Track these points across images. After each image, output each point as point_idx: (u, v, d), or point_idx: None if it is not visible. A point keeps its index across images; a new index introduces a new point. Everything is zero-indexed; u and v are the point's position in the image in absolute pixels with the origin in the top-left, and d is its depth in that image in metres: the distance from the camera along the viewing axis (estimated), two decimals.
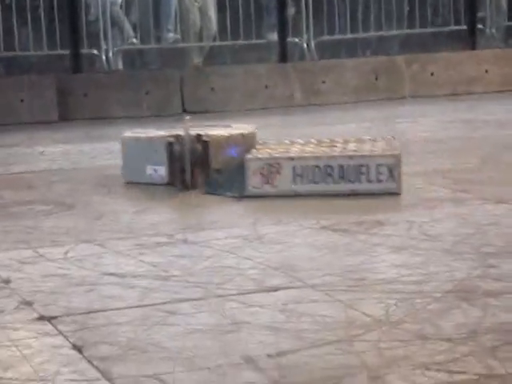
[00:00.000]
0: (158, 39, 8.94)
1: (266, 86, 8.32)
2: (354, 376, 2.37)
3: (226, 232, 3.98)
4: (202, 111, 7.90)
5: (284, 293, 3.12)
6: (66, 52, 8.45)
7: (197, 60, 9.15)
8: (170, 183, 4.96)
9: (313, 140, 5.26)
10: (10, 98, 7.94)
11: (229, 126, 5.55)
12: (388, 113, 7.77)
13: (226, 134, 5.22)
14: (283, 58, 8.67)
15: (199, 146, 4.92)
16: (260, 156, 4.85)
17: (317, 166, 4.71)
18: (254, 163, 4.75)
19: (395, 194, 4.62)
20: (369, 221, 4.11)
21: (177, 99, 8.12)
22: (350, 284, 3.19)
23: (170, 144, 4.90)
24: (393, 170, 4.69)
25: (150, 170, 5.02)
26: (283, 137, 6.01)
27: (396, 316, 2.85)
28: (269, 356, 2.52)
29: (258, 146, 5.12)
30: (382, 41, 9.46)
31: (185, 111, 8.03)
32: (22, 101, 7.95)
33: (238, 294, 3.09)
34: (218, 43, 9.10)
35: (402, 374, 2.37)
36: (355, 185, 4.70)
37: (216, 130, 5.28)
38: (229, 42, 9.03)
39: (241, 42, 9.00)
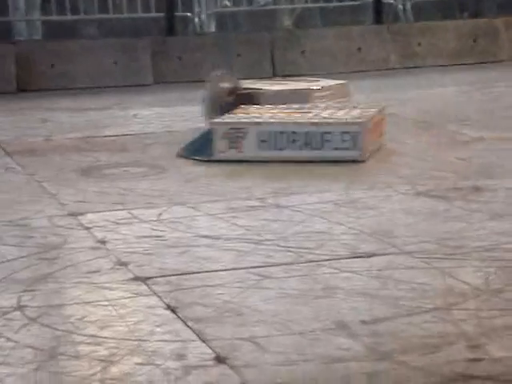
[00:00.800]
0: (250, 1, 8.89)
1: (359, 49, 8.20)
2: (452, 344, 2.31)
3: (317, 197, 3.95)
4: (292, 74, 7.83)
5: (379, 259, 3.07)
6: (161, 15, 8.48)
7: (288, 22, 9.07)
8: None
9: (295, 106, 5.10)
10: (104, 61, 8.02)
11: (316, 81, 5.51)
12: (486, 76, 7.57)
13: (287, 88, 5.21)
14: (378, 19, 8.51)
15: (230, 99, 4.92)
16: (227, 120, 4.78)
17: (282, 132, 4.63)
18: (221, 127, 4.69)
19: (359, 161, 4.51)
20: (465, 187, 4.02)
21: (267, 62, 8.07)
22: (448, 252, 3.12)
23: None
24: (356, 137, 4.58)
25: None
26: (377, 100, 5.94)
27: (495, 284, 2.78)
28: (363, 322, 2.49)
29: (237, 110, 5.03)
30: (480, 2, 9.21)
31: (275, 74, 7.98)
32: (115, 63, 8.02)
33: (331, 260, 3.06)
34: (309, 5, 9.00)
35: (502, 343, 2.31)
36: (320, 152, 4.60)
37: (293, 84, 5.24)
38: (321, 4, 8.92)
39: (333, 3, 8.88)
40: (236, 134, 4.66)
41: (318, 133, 4.62)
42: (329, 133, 4.62)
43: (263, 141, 4.66)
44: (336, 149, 4.62)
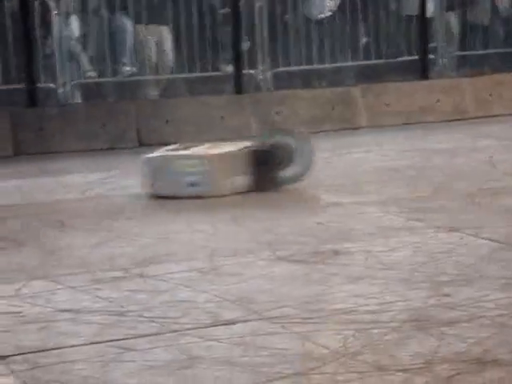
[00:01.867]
0: (115, 72, 8.93)
1: (222, 117, 8.34)
2: None
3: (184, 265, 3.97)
4: (157, 143, 7.89)
5: (241, 326, 3.11)
6: (22, 86, 8.39)
7: (153, 92, 9.15)
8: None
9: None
10: None
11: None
12: (344, 143, 7.82)
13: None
14: (239, 89, 8.70)
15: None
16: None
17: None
18: None
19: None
20: (325, 251, 4.12)
21: (133, 131, 8.10)
22: (306, 316, 3.19)
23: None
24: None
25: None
26: None
27: (353, 347, 2.86)
28: None
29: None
30: (337, 72, 9.54)
31: (141, 143, 8.02)
32: None
33: (195, 329, 3.07)
34: (174, 75, 9.11)
35: None
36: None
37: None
38: (185, 75, 9.05)
39: (197, 74, 9.02)
40: None
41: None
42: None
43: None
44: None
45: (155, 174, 5.56)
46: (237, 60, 8.73)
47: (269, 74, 9.22)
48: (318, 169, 6.54)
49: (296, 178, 5.75)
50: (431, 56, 9.67)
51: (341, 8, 9.54)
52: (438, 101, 8.89)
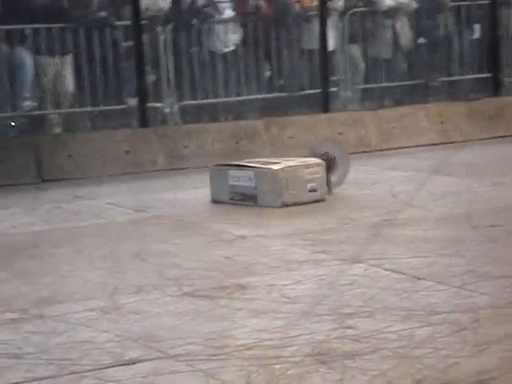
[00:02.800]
0: (15, 107, 8.77)
1: (127, 152, 8.26)
2: None
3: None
4: (59, 179, 7.76)
5: (143, 365, 3.05)
6: None
7: (55, 127, 9.00)
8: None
9: None
10: None
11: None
12: None
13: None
14: (144, 123, 8.64)
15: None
16: None
17: None
18: None
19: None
20: (230, 285, 4.09)
21: (33, 166, 7.94)
22: (211, 352, 3.15)
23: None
24: None
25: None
26: (136, 202, 6.01)
27: (257, 383, 2.82)
28: None
29: None
30: (242, 105, 9.59)
31: (42, 180, 7.87)
32: None
33: (95, 370, 3.00)
34: (76, 109, 9.01)
35: None
36: None
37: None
38: (88, 108, 8.95)
39: (100, 108, 8.93)
40: None
41: None
42: None
43: None
44: None
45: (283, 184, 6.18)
46: (141, 93, 8.68)
47: (175, 108, 9.20)
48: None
49: (339, 183, 6.57)
50: (334, 89, 9.81)
51: (244, 42, 9.61)
52: (341, 133, 9.00)
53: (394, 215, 5.61)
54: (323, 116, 9.21)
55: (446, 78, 10.55)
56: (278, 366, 2.97)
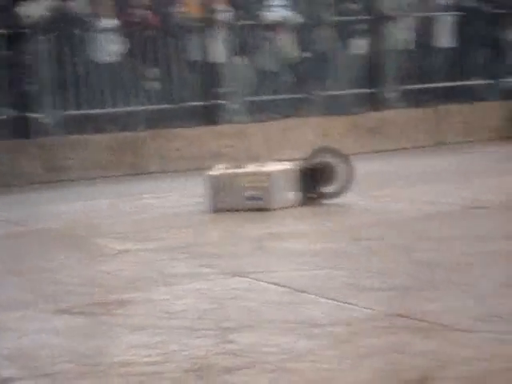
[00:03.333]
0: None
1: (5, 164, 8.04)
2: None
3: None
4: None
5: None
6: None
7: None
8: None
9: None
10: None
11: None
12: (134, 188, 7.74)
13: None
14: (23, 134, 8.43)
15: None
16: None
17: None
18: None
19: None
20: (109, 301, 4.00)
21: None
22: (86, 370, 3.05)
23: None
24: None
25: None
26: (14, 215, 5.84)
27: None
28: None
29: None
30: (127, 116, 9.48)
31: None
32: None
33: None
34: None
35: None
36: None
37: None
38: None
39: None
40: None
41: None
42: None
43: None
44: None
45: (218, 189, 6.21)
46: (20, 103, 8.47)
47: (58, 118, 9.03)
48: (106, 215, 6.43)
49: (338, 194, 6.42)
50: (222, 101, 9.82)
51: (130, 52, 9.51)
52: (228, 146, 9.01)
53: (277, 228, 5.63)
54: (210, 128, 9.20)
55: (329, 92, 10.70)
56: (155, 383, 2.90)
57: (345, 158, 6.52)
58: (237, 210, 6.10)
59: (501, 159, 8.54)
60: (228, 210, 6.11)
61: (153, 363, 3.11)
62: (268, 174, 6.23)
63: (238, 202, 6.17)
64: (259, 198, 6.15)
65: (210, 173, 6.36)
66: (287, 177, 6.27)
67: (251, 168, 6.40)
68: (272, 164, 6.62)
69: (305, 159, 6.53)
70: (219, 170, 6.46)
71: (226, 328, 3.51)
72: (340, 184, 6.42)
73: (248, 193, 6.16)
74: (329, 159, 6.51)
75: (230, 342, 3.33)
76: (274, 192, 6.17)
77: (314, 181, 6.35)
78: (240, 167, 6.47)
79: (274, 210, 6.14)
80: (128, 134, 8.84)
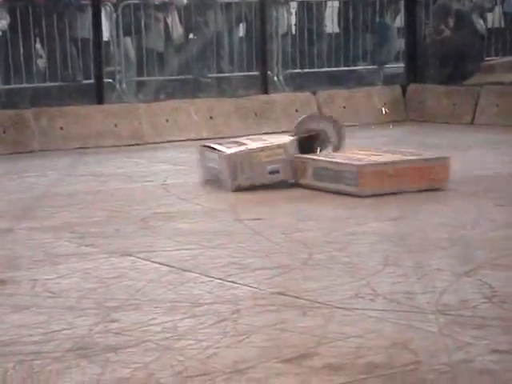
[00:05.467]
0: None
1: None
2: None
3: None
4: None
5: None
6: None
7: None
8: None
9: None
10: None
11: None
12: (17, 166, 7.60)
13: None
14: None
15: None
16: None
17: None
18: None
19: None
20: None
21: None
22: None
23: None
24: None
25: None
26: None
27: (13, 380, 2.74)
28: None
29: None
30: (10, 94, 9.29)
31: None
32: None
33: None
34: None
35: None
36: None
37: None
38: None
39: None
40: None
41: None
42: None
43: None
44: None
45: (236, 168, 6.16)
46: None
47: None
48: None
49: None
50: (109, 80, 9.72)
51: (13, 28, 9.31)
52: (116, 125, 8.93)
53: (164, 208, 5.64)
54: (97, 107, 9.09)
55: (216, 75, 10.74)
56: (37, 362, 2.89)
57: (333, 120, 6.66)
58: (259, 185, 6.14)
59: (382, 143, 8.77)
60: (249, 188, 6.10)
61: (34, 343, 3.10)
62: (283, 147, 6.31)
63: (261, 177, 6.19)
64: (277, 171, 6.24)
65: (228, 152, 6.28)
66: (295, 147, 6.35)
67: (259, 143, 6.43)
68: (271, 137, 6.73)
69: (295, 128, 6.59)
70: (229, 148, 6.37)
71: (109, 307, 3.52)
72: (334, 146, 6.55)
73: (269, 167, 6.22)
74: (319, 125, 6.60)
75: (114, 321, 3.35)
76: (289, 163, 6.26)
77: (311, 147, 6.43)
78: (239, 144, 6.46)
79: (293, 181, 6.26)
80: (10, 111, 8.65)
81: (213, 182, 6.37)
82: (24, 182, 6.81)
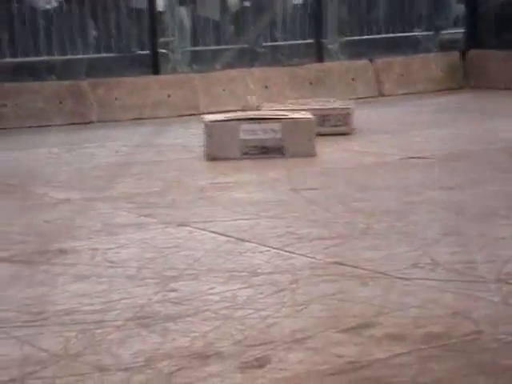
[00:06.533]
0: None
1: None
2: None
3: None
4: None
5: None
6: None
7: None
8: None
9: None
10: None
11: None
12: (75, 138, 7.66)
13: None
14: None
15: None
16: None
17: None
18: None
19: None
20: (51, 250, 3.99)
21: None
22: (28, 319, 3.06)
23: None
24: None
25: None
26: None
27: (75, 349, 2.77)
28: None
29: None
30: (66, 65, 9.34)
31: None
32: None
33: None
34: None
35: None
36: None
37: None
38: None
39: None
40: None
41: None
42: None
43: None
44: None
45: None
46: None
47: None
48: (47, 164, 6.38)
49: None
50: (163, 51, 9.72)
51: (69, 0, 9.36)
52: (170, 96, 8.95)
53: (220, 178, 5.65)
54: (152, 78, 9.12)
55: (270, 43, 10.67)
56: (98, 331, 2.92)
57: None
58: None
59: (441, 110, 8.65)
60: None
61: (95, 312, 3.13)
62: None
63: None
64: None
65: (307, 116, 6.44)
66: None
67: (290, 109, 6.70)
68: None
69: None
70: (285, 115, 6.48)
71: (168, 277, 3.54)
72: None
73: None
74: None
75: (173, 290, 3.37)
76: None
77: None
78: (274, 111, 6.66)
79: None
80: (67, 82, 8.72)
81: (246, 156, 6.25)
82: (82, 153, 6.87)
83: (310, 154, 6.21)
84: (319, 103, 7.45)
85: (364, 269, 3.52)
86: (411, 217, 4.39)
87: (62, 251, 3.98)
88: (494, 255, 3.62)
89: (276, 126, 6.28)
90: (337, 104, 7.46)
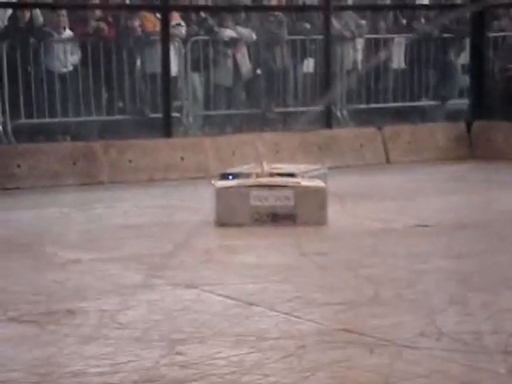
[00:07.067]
0: None
1: None
2: None
3: None
4: None
5: None
6: None
7: None
8: None
9: None
10: None
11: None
12: (86, 198, 7.72)
13: None
14: None
15: None
16: None
17: None
18: None
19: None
20: (59, 310, 4.01)
21: None
22: (36, 380, 3.06)
23: None
24: None
25: None
26: None
27: None
28: None
29: None
30: (80, 126, 9.45)
31: None
32: None
33: None
34: None
35: None
36: None
37: None
38: None
39: None
40: None
41: None
42: None
43: None
44: None
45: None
46: None
47: (9, 127, 8.99)
48: (58, 224, 6.42)
49: None
50: (176, 114, 9.84)
51: (84, 63, 9.50)
52: (182, 158, 9.03)
53: (228, 241, 5.67)
54: (164, 141, 9.21)
55: (281, 109, 10.80)
56: None
57: None
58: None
59: (447, 179, 8.69)
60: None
61: (102, 374, 3.14)
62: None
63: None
64: None
65: (319, 184, 6.38)
66: None
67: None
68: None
69: None
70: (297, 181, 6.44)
71: (175, 340, 3.55)
72: None
73: None
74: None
75: (179, 353, 3.37)
76: None
77: None
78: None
79: None
80: (80, 143, 8.81)
81: (258, 222, 6.16)
82: (93, 214, 6.91)
83: (322, 222, 6.16)
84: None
85: (371, 336, 3.53)
86: (418, 285, 4.40)
87: (70, 312, 4.00)
88: (500, 326, 3.63)
89: (289, 193, 6.30)
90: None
